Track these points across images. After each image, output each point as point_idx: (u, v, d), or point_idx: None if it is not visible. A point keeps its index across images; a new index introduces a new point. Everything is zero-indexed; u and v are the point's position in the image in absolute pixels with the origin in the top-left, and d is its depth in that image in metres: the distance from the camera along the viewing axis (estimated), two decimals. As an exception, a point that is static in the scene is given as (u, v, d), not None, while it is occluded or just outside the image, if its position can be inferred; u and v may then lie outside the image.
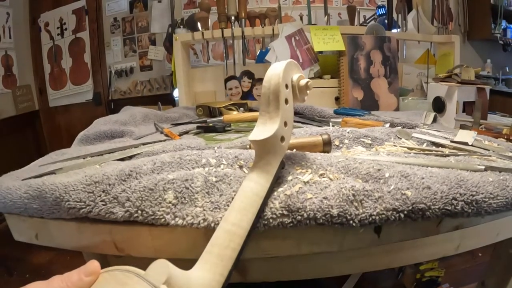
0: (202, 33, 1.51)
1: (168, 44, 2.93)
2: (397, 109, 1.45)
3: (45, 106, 3.20)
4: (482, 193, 0.53)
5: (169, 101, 2.45)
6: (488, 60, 3.33)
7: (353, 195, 0.51)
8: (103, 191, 0.54)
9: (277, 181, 0.55)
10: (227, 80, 1.64)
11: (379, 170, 0.57)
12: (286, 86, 0.53)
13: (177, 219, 0.52)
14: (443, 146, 0.77)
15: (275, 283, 0.62)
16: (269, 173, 0.51)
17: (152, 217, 0.52)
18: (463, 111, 1.23)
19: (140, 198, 0.53)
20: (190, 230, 0.52)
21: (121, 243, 0.55)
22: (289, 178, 0.57)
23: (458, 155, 0.69)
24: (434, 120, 1.14)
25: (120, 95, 3.13)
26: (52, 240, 0.59)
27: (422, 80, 1.76)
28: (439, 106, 1.27)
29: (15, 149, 2.78)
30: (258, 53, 1.85)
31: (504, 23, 3.38)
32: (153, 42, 3.14)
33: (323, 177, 0.57)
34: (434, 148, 0.75)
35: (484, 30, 3.28)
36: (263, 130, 0.51)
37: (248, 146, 0.73)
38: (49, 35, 3.17)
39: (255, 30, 1.53)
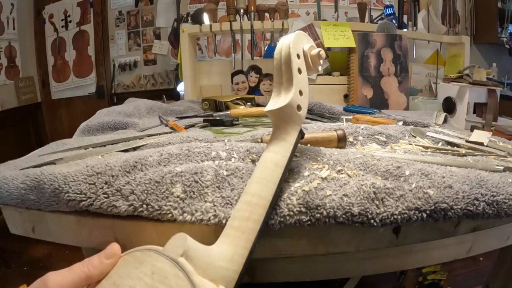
0: (210, 25, 1.47)
1: (173, 39, 2.90)
2: (406, 109, 1.43)
3: (48, 98, 3.18)
4: (502, 194, 0.50)
5: (173, 96, 2.41)
6: (494, 64, 3.28)
7: (374, 192, 0.48)
8: (106, 183, 0.50)
9: (293, 176, 0.53)
10: (234, 74, 1.60)
11: (398, 167, 0.55)
12: (298, 56, 0.52)
13: (185, 214, 0.48)
14: (458, 146, 0.75)
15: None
16: (287, 142, 0.49)
17: (158, 212, 0.48)
18: (473, 112, 1.21)
19: (146, 191, 0.49)
20: (199, 227, 0.48)
21: (123, 240, 0.51)
22: (306, 173, 0.53)
23: (475, 155, 0.67)
24: (445, 120, 1.12)
25: (123, 89, 3.11)
26: (49, 234, 0.56)
27: (431, 81, 1.75)
28: (449, 106, 1.26)
29: (16, 141, 2.75)
30: (266, 48, 1.81)
31: (511, 27, 3.34)
32: (157, 36, 3.11)
33: (341, 173, 0.55)
34: (449, 147, 0.73)
35: (490, 34, 3.24)
36: (277, 100, 0.49)
37: (259, 140, 0.69)
38: (53, 27, 3.14)
39: (264, 24, 1.50)
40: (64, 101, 3.17)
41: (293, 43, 0.51)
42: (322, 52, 0.55)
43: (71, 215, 0.52)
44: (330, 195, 0.48)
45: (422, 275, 1.55)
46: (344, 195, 0.48)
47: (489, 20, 3.19)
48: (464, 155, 0.68)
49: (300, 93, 0.51)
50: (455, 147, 0.74)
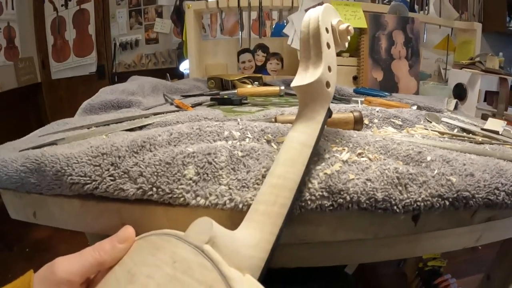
0: (217, 1, 1.41)
1: (176, 17, 2.83)
2: (416, 93, 1.40)
3: (48, 78, 3.13)
4: None
5: (175, 75, 2.37)
6: (500, 53, 3.22)
7: (398, 178, 0.46)
8: (112, 165, 0.46)
9: (312, 158, 0.48)
10: (240, 53, 1.55)
11: (419, 152, 0.52)
12: (327, 30, 0.48)
13: (198, 198, 0.44)
14: (473, 133, 0.72)
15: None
16: (315, 121, 0.45)
17: (169, 195, 0.44)
18: (484, 100, 1.18)
19: (156, 173, 0.45)
20: (214, 212, 0.44)
21: (131, 225, 0.48)
22: (326, 155, 0.50)
23: (492, 144, 0.65)
24: (455, 107, 1.09)
25: (125, 68, 3.06)
26: (52, 219, 0.52)
27: (440, 66, 1.73)
28: (460, 93, 1.24)
29: (16, 122, 2.71)
30: (273, 26, 1.75)
31: (520, 17, 3.27)
32: (159, 15, 3.05)
33: (362, 157, 0.51)
34: (465, 134, 0.71)
35: (498, 23, 3.17)
36: (305, 76, 0.46)
37: (273, 120, 0.65)
38: (53, 6, 3.08)
39: (273, 1, 1.45)
40: (64, 81, 3.12)
41: (322, 16, 0.47)
42: (351, 27, 0.52)
43: (75, 199, 0.48)
44: (353, 179, 0.45)
45: (422, 261, 1.55)
46: (367, 179, 0.45)
47: (498, 9, 3.13)
48: (481, 143, 0.66)
49: (329, 69, 0.47)
50: (470, 134, 0.71)
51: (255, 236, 0.36)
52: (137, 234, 0.48)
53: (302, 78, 0.46)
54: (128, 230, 0.40)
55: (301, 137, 0.44)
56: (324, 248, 0.52)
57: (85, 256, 0.37)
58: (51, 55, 3.12)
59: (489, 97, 1.20)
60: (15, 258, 1.75)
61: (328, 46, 0.47)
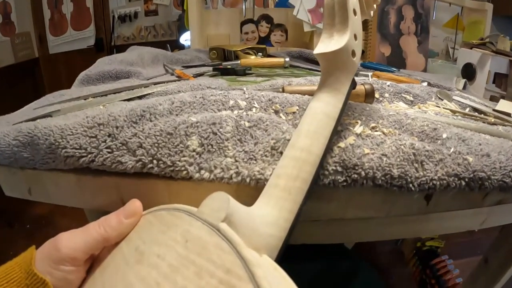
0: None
1: (175, -12, 2.75)
2: (424, 70, 1.37)
3: (45, 53, 3.06)
4: None
5: (176, 48, 2.32)
6: (507, 37, 3.15)
7: (414, 154, 0.43)
8: (109, 136, 0.43)
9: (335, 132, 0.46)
10: (243, 23, 1.49)
11: (435, 129, 0.50)
12: None
13: (202, 171, 0.41)
14: (485, 113, 0.69)
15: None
16: (340, 91, 0.42)
17: (171, 168, 0.41)
18: (493, 82, 1.15)
19: (156, 145, 0.42)
20: (219, 186, 0.41)
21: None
22: (338, 128, 0.46)
23: (505, 125, 0.63)
24: (464, 87, 1.05)
25: (124, 41, 2.99)
26: (47, 195, 0.49)
27: (448, 45, 1.69)
28: (469, 73, 1.20)
29: (15, 99, 2.65)
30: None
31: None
32: (159, -14, 2.95)
33: (376, 131, 0.49)
34: (477, 114, 0.68)
35: (509, 6, 3.08)
36: (329, 43, 0.42)
37: (280, 90, 0.61)
38: (49, -21, 2.97)
39: (279, -31, 1.37)
40: (62, 55, 3.06)
41: None
42: None
43: (70, 174, 0.45)
44: (368, 154, 0.42)
45: (420, 241, 1.55)
46: (383, 154, 0.43)
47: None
48: (494, 123, 0.64)
49: (355, 37, 0.43)
50: (482, 115, 0.69)
51: (274, 214, 0.33)
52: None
53: (326, 45, 0.42)
54: (135, 204, 0.38)
55: (326, 108, 0.40)
56: (331, 225, 0.50)
57: (89, 232, 0.35)
58: (48, 29, 3.04)
59: (498, 79, 1.18)
60: (16, 234, 1.75)
61: (354, 12, 0.43)
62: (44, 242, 0.36)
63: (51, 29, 3.05)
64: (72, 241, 0.35)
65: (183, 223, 0.31)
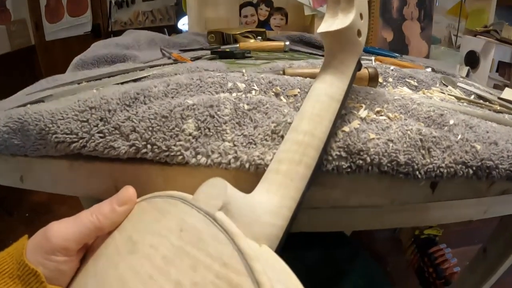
0: None
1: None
2: (427, 57, 1.34)
3: (42, 40, 3.02)
4: None
5: (174, 32, 2.28)
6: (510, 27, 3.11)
7: (421, 140, 0.42)
8: (101, 120, 0.40)
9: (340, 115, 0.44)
10: (242, 6, 1.46)
11: (441, 115, 0.49)
12: None
13: (199, 156, 0.39)
14: (490, 101, 0.68)
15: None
16: (344, 73, 0.40)
17: (166, 153, 0.39)
18: (496, 70, 1.13)
19: (150, 129, 0.39)
20: (216, 172, 0.39)
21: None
22: (342, 111, 0.44)
23: (511, 114, 0.62)
24: (467, 74, 1.03)
25: (121, 26, 2.95)
26: (40, 183, 0.47)
27: (451, 32, 1.65)
28: (472, 60, 1.19)
29: (12, 88, 2.63)
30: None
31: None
32: (156, -31, 2.90)
33: (381, 115, 0.47)
34: (482, 102, 0.66)
35: None
36: (333, 22, 0.39)
37: (281, 72, 0.59)
38: (44, -36, 2.92)
39: None
40: (59, 42, 3.02)
41: None
42: None
43: (62, 160, 0.43)
44: (373, 139, 0.40)
45: (418, 229, 1.54)
46: (389, 140, 0.41)
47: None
48: (499, 111, 0.63)
49: (361, 16, 0.41)
50: (487, 103, 0.67)
51: (275, 202, 0.31)
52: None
53: (330, 24, 0.40)
54: (128, 191, 0.36)
55: (330, 90, 0.38)
56: (332, 213, 0.48)
57: (82, 220, 0.34)
58: (44, 16, 2.99)
59: (502, 68, 1.16)
60: (15, 223, 1.74)
61: None
62: (38, 231, 0.35)
63: (47, 16, 3.00)
64: (63, 231, 0.33)
65: (177, 211, 0.29)
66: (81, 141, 0.40)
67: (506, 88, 0.77)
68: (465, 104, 0.62)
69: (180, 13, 2.11)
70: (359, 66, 0.43)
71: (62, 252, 0.33)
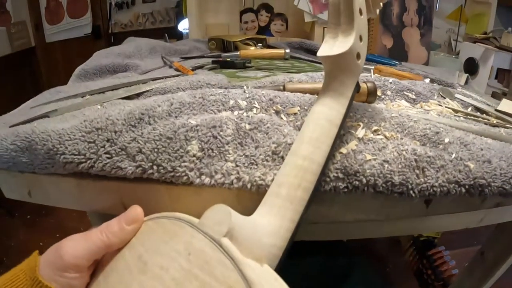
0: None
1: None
2: (426, 64, 1.35)
3: (42, 42, 3.02)
4: None
5: (174, 35, 2.28)
6: (509, 28, 3.10)
7: (416, 160, 0.43)
8: (108, 141, 0.42)
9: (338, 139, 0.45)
10: (242, 12, 1.46)
11: (437, 133, 0.50)
12: None
13: (203, 177, 0.41)
14: (487, 113, 0.69)
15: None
16: (344, 96, 0.41)
17: (171, 174, 0.41)
18: (495, 77, 1.14)
19: (156, 150, 0.41)
20: (220, 191, 0.41)
21: (132, 205, 0.44)
22: (341, 131, 0.45)
23: (506, 127, 0.63)
24: (466, 82, 1.03)
25: (121, 28, 2.95)
26: (47, 198, 0.48)
27: (451, 37, 1.66)
28: (471, 68, 1.19)
29: (13, 89, 2.64)
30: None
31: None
32: (156, -29, 2.90)
33: (378, 134, 0.48)
34: (479, 114, 0.67)
35: None
36: (334, 45, 0.41)
37: (281, 88, 0.60)
38: (44, -34, 2.92)
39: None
40: (59, 43, 3.02)
41: None
42: None
43: (70, 178, 0.44)
44: (370, 160, 0.42)
45: None
46: (384, 161, 0.42)
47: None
48: (495, 125, 0.63)
49: (360, 38, 0.42)
50: (484, 115, 0.68)
51: (276, 224, 0.33)
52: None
53: (330, 47, 0.41)
54: (136, 210, 0.38)
55: (330, 114, 0.40)
56: (330, 225, 0.50)
57: (92, 239, 0.36)
58: (45, 17, 2.99)
59: (501, 74, 1.17)
60: (17, 224, 1.72)
61: (361, 12, 0.42)
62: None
63: (47, 17, 3.00)
64: (75, 249, 0.35)
65: (185, 234, 0.31)
66: (89, 161, 0.41)
67: (504, 100, 0.77)
68: (461, 118, 0.63)
69: (180, 15, 2.11)
70: (357, 87, 0.44)
71: (74, 269, 0.34)
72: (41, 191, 0.48)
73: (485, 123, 0.64)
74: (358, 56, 0.42)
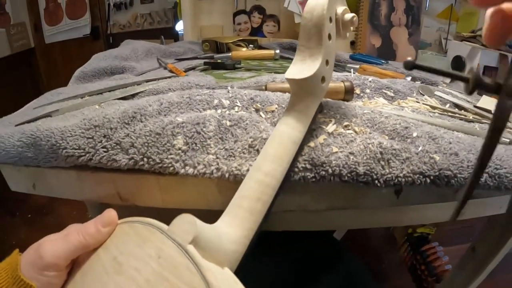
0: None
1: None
2: None
3: (41, 43, 3.05)
4: (505, 168, 0.49)
5: (171, 35, 2.33)
6: None
7: (381, 153, 0.47)
8: (104, 136, 0.48)
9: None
10: (236, 14, 1.51)
11: (406, 128, 0.53)
12: (330, 20, 0.46)
13: (187, 167, 0.46)
14: (465, 109, 0.72)
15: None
16: (307, 116, 0.45)
17: (160, 165, 0.46)
18: (483, 74, 1.17)
19: (146, 144, 0.47)
20: (202, 180, 0.47)
21: (125, 194, 0.50)
22: (312, 126, 0.50)
23: (482, 123, 0.65)
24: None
25: (119, 28, 2.98)
26: (50, 189, 0.54)
27: (441, 36, 1.67)
28: (458, 66, 1.22)
29: (13, 89, 2.69)
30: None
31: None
32: (154, -28, 2.93)
33: (348, 129, 0.53)
34: (457, 110, 0.71)
35: None
36: (302, 68, 0.44)
37: (263, 88, 0.66)
38: (43, -33, 2.95)
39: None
40: (58, 44, 3.05)
41: (328, 4, 0.45)
42: (356, 19, 0.50)
43: (71, 171, 0.50)
44: (336, 152, 0.47)
45: (411, 227, 1.57)
46: (350, 153, 0.47)
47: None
48: (471, 121, 0.66)
49: (327, 62, 0.46)
50: (462, 111, 0.71)
51: (237, 233, 0.37)
52: (132, 200, 0.51)
53: (298, 70, 0.44)
54: (110, 214, 0.40)
55: (292, 134, 0.43)
56: (306, 214, 0.54)
57: (70, 240, 0.38)
58: (44, 19, 3.02)
59: (488, 73, 1.19)
60: (18, 223, 1.74)
61: (330, 37, 0.46)
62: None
63: (46, 18, 3.03)
64: (54, 248, 0.37)
65: (156, 239, 0.34)
66: (87, 155, 0.47)
67: (484, 96, 0.79)
68: (436, 114, 0.66)
69: (178, 16, 2.16)
70: (320, 109, 0.48)
71: (53, 268, 0.37)
72: (45, 184, 0.54)
73: (461, 119, 0.66)
74: (323, 79, 0.45)
